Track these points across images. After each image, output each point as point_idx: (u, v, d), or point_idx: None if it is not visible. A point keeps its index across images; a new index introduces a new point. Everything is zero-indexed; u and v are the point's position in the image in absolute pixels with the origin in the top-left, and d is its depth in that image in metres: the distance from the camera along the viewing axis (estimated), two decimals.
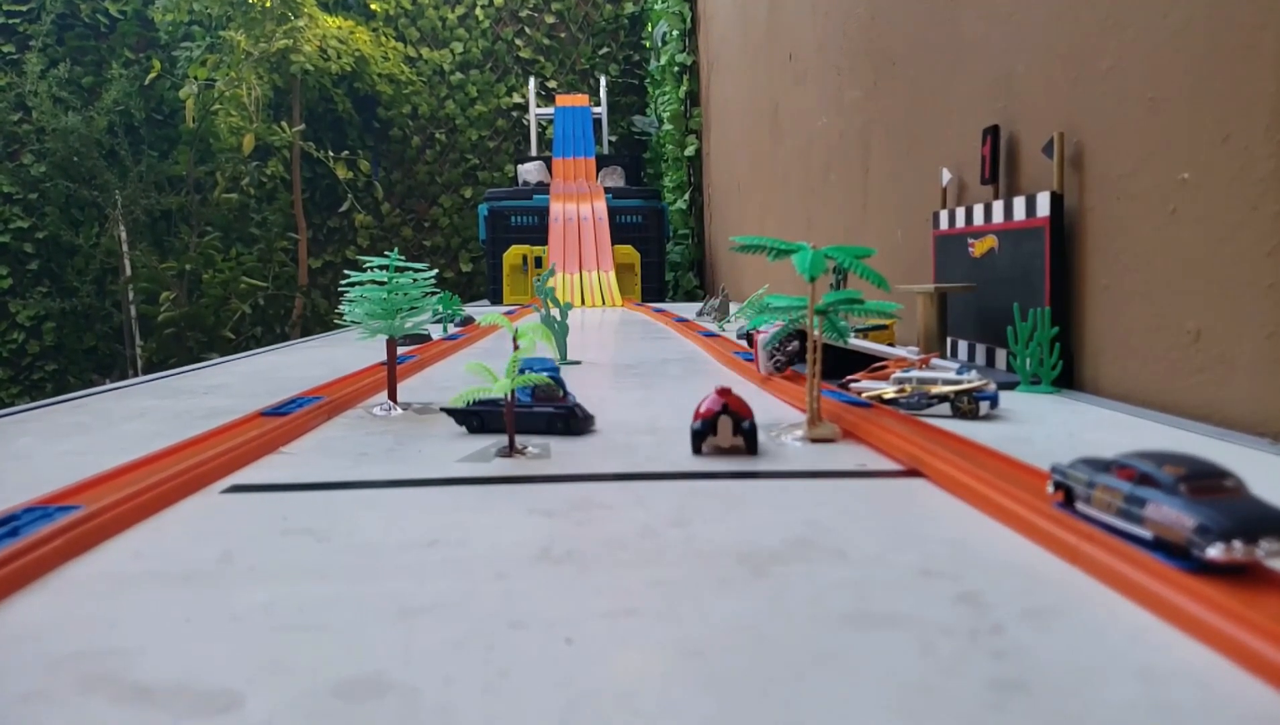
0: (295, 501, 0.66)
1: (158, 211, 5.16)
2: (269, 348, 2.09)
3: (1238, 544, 0.40)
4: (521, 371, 0.79)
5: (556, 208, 4.18)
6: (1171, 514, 0.43)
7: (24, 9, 5.18)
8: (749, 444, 0.77)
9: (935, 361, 1.14)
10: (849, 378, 1.08)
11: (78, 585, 0.49)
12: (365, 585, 0.48)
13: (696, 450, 0.78)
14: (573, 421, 0.88)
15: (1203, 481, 0.43)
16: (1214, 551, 0.40)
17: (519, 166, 4.86)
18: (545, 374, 0.85)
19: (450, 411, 0.91)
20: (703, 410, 0.78)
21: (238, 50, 4.79)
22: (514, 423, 0.79)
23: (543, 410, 0.87)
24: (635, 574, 0.49)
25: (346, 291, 1.00)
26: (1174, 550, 0.43)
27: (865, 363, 1.15)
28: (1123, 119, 1.12)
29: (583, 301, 3.72)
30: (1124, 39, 1.11)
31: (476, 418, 0.89)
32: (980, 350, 1.44)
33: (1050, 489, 0.54)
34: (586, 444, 0.85)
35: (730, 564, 0.50)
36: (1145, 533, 0.45)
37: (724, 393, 0.78)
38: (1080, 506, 0.51)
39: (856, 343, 1.20)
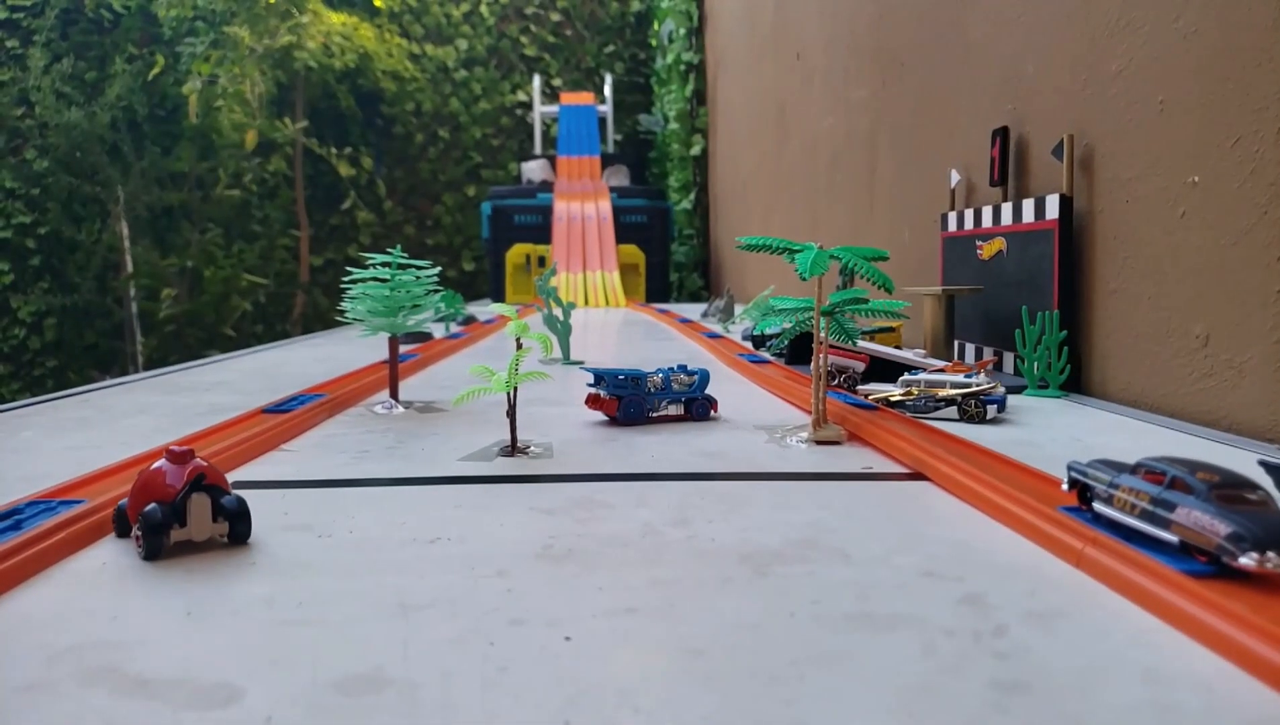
0: (296, 498, 0.66)
1: (159, 208, 5.17)
2: (270, 345, 2.09)
3: (1272, 554, 0.40)
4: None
5: (560, 207, 4.18)
6: (1204, 520, 0.43)
7: (28, 4, 5.18)
8: (237, 531, 0.53)
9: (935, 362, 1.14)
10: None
11: (79, 579, 0.49)
12: (366, 581, 0.48)
13: (152, 554, 0.50)
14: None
15: (1234, 491, 0.43)
16: (1246, 560, 0.40)
17: (523, 165, 4.86)
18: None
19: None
20: (152, 484, 0.52)
21: (241, 46, 4.79)
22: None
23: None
24: (636, 573, 0.49)
25: (349, 289, 0.99)
26: (1195, 554, 0.43)
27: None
28: (1132, 122, 1.12)
29: (586, 301, 3.72)
30: (1134, 41, 1.11)
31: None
32: (988, 353, 1.44)
33: (1065, 487, 0.54)
34: (588, 443, 0.84)
35: (732, 564, 0.50)
36: (1171, 536, 0.45)
37: (183, 458, 0.52)
38: (1098, 506, 0.51)
39: (871, 347, 1.18)
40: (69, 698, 0.35)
